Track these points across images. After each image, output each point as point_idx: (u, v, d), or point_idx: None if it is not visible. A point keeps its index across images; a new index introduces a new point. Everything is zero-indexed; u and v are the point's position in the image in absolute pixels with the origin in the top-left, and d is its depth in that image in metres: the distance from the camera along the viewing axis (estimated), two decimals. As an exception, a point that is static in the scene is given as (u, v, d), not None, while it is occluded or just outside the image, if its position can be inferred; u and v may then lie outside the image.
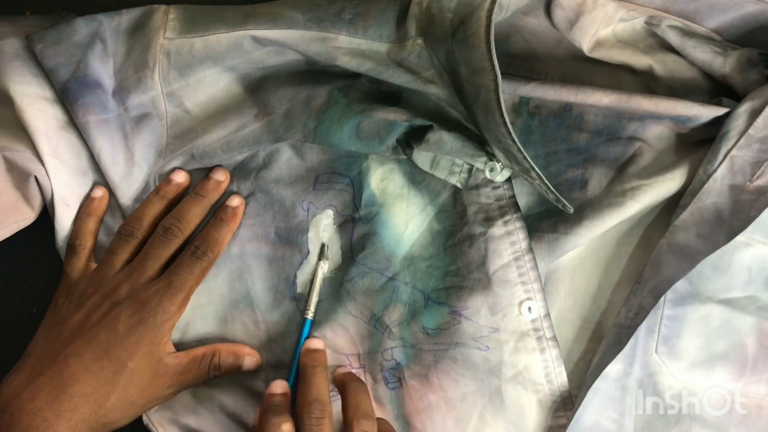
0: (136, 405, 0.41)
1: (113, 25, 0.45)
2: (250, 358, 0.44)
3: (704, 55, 0.43)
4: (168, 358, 0.42)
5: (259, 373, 0.45)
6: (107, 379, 0.40)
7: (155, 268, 0.43)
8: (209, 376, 0.43)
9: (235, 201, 0.45)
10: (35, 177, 0.45)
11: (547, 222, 0.44)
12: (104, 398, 0.40)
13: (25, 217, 0.46)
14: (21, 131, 0.45)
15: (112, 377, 0.40)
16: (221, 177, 0.46)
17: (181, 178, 0.45)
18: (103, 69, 0.44)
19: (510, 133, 0.38)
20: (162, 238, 0.44)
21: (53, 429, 0.38)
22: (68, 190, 0.46)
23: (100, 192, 0.46)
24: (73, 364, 0.40)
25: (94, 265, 0.45)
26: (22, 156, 0.44)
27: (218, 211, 0.45)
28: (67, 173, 0.45)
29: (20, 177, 0.45)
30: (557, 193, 0.40)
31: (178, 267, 0.43)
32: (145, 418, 0.45)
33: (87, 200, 0.46)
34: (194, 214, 0.45)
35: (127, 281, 0.43)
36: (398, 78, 0.42)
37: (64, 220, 0.46)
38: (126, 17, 0.45)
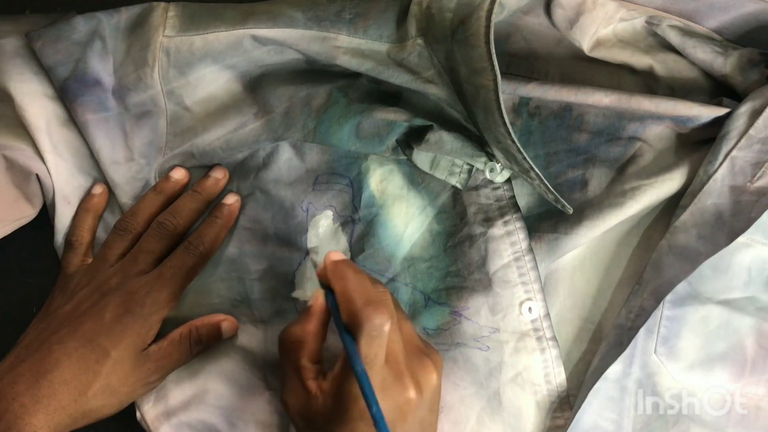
0: (120, 393, 0.41)
1: (112, 23, 0.45)
2: (226, 324, 0.44)
3: (705, 54, 0.43)
4: (150, 347, 0.42)
5: (258, 372, 0.45)
6: (88, 367, 0.39)
7: (147, 262, 0.43)
8: (193, 352, 0.43)
9: (230, 199, 0.45)
10: (36, 175, 0.45)
11: (547, 222, 0.44)
12: (85, 386, 0.39)
13: (25, 214, 0.46)
14: (21, 129, 0.45)
15: (93, 365, 0.40)
16: (219, 175, 0.46)
17: (179, 175, 0.45)
18: (102, 67, 0.44)
19: (509, 134, 0.38)
20: (155, 233, 0.44)
21: (29, 414, 0.38)
22: (69, 188, 0.46)
23: (99, 189, 0.46)
24: (56, 350, 0.40)
25: (90, 261, 0.45)
26: (23, 154, 0.44)
27: (214, 208, 0.45)
28: (69, 170, 0.45)
29: (21, 175, 0.45)
30: (557, 194, 0.40)
31: (170, 260, 0.43)
32: (138, 415, 0.44)
33: (86, 197, 0.46)
34: (190, 210, 0.45)
35: (118, 273, 0.43)
36: (398, 78, 0.42)
37: (64, 217, 0.46)
38: (125, 15, 0.45)
